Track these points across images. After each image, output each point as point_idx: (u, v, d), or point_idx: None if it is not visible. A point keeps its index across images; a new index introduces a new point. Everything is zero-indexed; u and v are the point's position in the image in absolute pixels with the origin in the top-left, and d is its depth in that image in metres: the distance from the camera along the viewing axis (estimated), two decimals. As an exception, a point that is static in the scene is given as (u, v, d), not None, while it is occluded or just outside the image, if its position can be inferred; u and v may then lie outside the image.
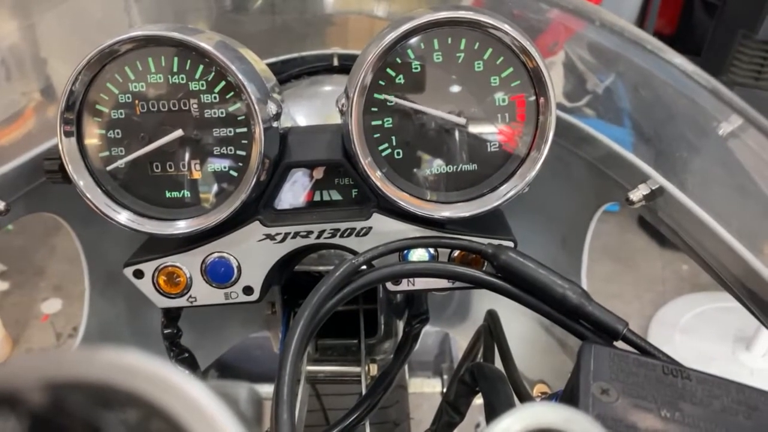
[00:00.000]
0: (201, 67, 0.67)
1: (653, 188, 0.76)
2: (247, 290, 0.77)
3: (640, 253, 3.43)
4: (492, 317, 0.85)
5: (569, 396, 0.50)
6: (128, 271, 0.75)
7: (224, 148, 0.70)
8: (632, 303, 3.10)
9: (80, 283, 0.96)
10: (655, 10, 3.25)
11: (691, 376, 0.49)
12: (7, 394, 0.18)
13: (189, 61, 0.67)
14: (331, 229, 0.75)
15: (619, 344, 0.60)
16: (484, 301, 1.23)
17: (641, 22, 3.31)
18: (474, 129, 0.70)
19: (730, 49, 2.77)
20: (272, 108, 0.69)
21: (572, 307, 0.62)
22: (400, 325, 1.14)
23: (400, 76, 0.68)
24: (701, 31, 3.23)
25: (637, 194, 0.76)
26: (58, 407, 0.18)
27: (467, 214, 0.72)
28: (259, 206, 0.75)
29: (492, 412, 0.66)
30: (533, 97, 0.70)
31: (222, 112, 0.68)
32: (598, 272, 3.21)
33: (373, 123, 0.70)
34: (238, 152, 0.70)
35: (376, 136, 0.70)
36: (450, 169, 0.72)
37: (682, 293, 3.13)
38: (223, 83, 0.67)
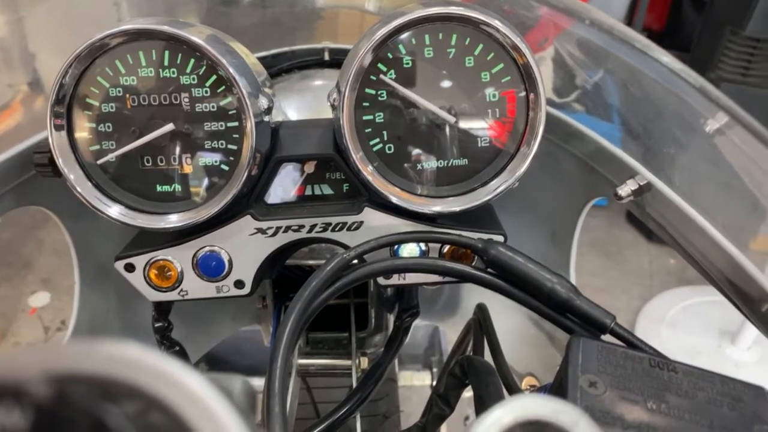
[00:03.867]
0: (192, 60, 0.67)
1: (641, 184, 0.77)
2: (239, 284, 0.77)
3: (627, 247, 3.46)
4: (481, 311, 0.85)
5: (558, 389, 0.51)
6: (119, 265, 0.75)
7: (215, 142, 0.70)
8: (620, 297, 3.13)
9: (68, 276, 0.96)
10: (644, 6, 3.27)
11: (677, 369, 0.50)
12: (12, 386, 0.18)
13: (180, 55, 0.67)
14: (322, 224, 0.75)
15: (607, 338, 0.61)
16: (474, 295, 1.24)
17: (630, 19, 3.32)
18: (464, 124, 0.71)
19: (718, 45, 2.79)
20: (263, 102, 0.69)
21: (561, 301, 0.63)
22: (391, 318, 1.15)
23: (392, 71, 0.69)
24: (690, 27, 3.25)
25: (626, 189, 0.77)
26: (61, 399, 0.18)
27: (458, 209, 0.72)
28: (250, 200, 0.75)
29: (481, 405, 0.67)
30: (523, 93, 0.70)
31: (213, 106, 0.68)
32: (586, 266, 3.24)
33: (365, 118, 0.70)
34: (229, 146, 0.70)
35: (367, 130, 0.71)
36: (441, 164, 0.72)
37: (669, 287, 3.16)
38: (214, 77, 0.67)
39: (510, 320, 1.08)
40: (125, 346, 0.20)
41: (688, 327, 2.90)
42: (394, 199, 0.71)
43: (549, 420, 0.29)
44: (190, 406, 0.19)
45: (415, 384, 1.62)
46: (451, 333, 1.54)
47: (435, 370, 1.64)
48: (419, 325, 1.62)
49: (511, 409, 0.30)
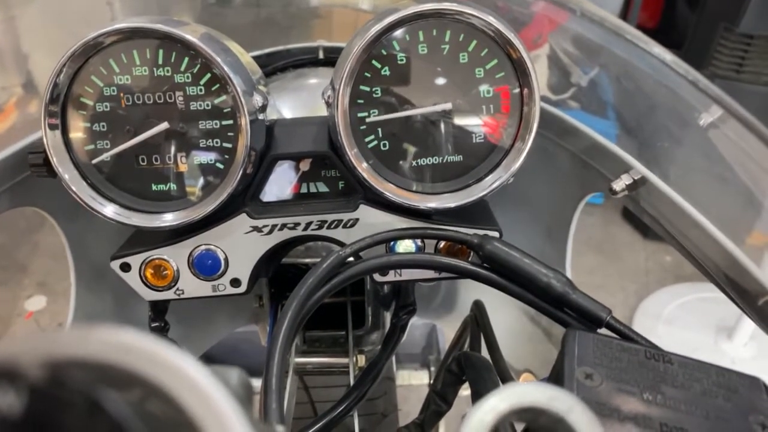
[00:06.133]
0: (186, 59, 0.67)
1: (636, 178, 0.77)
2: (235, 282, 0.77)
3: (623, 245, 3.46)
4: (478, 307, 0.86)
5: (554, 381, 0.51)
6: (115, 265, 0.75)
7: (210, 140, 0.70)
8: (616, 294, 3.13)
9: (64, 279, 0.95)
10: (638, 3, 3.27)
11: (673, 360, 0.50)
12: (6, 369, 0.18)
13: (174, 54, 0.67)
14: (318, 221, 0.75)
15: (603, 332, 0.61)
16: (471, 291, 1.24)
17: (624, 16, 3.33)
18: (459, 120, 0.71)
19: (711, 42, 2.79)
20: (258, 100, 0.69)
21: (557, 296, 0.63)
22: (388, 316, 1.15)
23: (386, 68, 0.69)
24: (683, 24, 3.26)
25: (620, 184, 0.77)
26: (57, 382, 0.18)
27: (453, 205, 0.72)
28: (245, 199, 0.75)
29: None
30: (517, 89, 0.70)
31: (208, 105, 0.68)
32: (582, 264, 3.24)
33: (359, 115, 0.70)
34: (224, 145, 0.70)
35: (362, 128, 0.71)
36: (436, 160, 0.72)
37: (666, 284, 3.17)
38: (208, 75, 0.67)
39: (507, 317, 1.08)
40: (122, 332, 0.20)
41: (684, 323, 2.91)
42: (389, 196, 0.71)
43: (544, 407, 0.29)
44: (189, 392, 0.19)
45: (413, 383, 1.62)
46: (448, 331, 1.54)
47: (433, 369, 1.63)
48: (417, 324, 1.62)
49: (506, 396, 0.30)
